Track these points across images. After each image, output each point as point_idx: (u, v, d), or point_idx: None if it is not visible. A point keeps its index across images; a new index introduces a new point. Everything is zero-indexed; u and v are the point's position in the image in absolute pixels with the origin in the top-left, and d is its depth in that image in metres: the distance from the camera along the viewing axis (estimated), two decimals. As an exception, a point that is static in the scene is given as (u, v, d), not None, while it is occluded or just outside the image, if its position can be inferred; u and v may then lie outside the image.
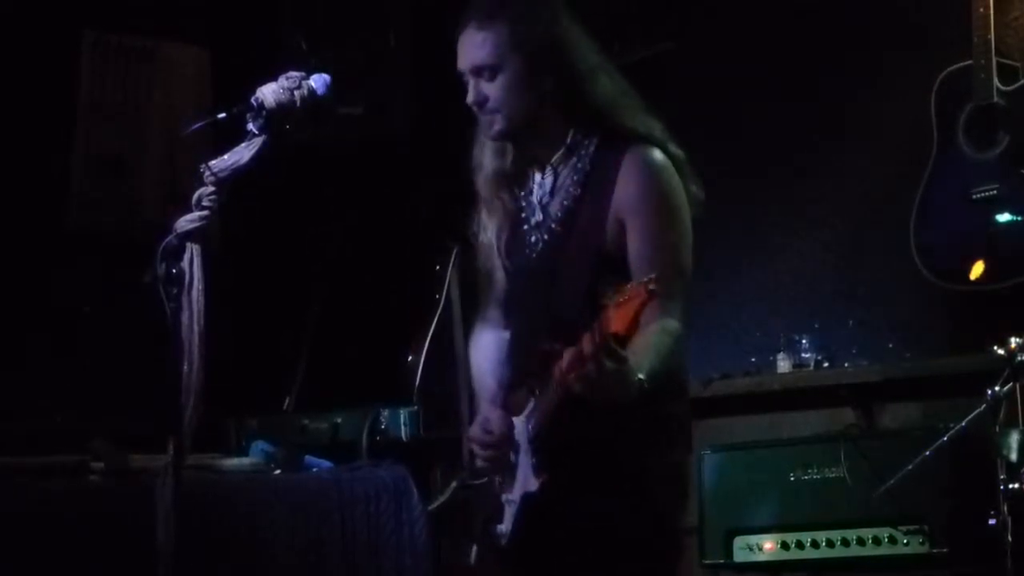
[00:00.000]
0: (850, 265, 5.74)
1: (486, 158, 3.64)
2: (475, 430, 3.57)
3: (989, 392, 4.37)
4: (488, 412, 3.58)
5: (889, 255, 5.49)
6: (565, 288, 3.42)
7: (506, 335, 3.65)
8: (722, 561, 5.22)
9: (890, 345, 5.52)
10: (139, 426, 4.15)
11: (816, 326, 5.72)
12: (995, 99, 5.08)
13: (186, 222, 3.19)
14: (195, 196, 3.22)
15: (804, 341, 5.68)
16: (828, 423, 5.55)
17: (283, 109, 3.34)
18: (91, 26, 6.09)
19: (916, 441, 4.71)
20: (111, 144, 6.08)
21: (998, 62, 5.08)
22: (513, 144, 3.61)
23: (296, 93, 3.37)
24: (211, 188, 3.22)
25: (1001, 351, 4.43)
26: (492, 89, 3.49)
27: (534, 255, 3.55)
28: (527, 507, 3.41)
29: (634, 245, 3.39)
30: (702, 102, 6.13)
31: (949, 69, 5.20)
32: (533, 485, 3.38)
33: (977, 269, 5.06)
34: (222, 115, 3.32)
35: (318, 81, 3.42)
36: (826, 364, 5.66)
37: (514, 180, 3.63)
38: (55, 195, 5.97)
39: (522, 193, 3.62)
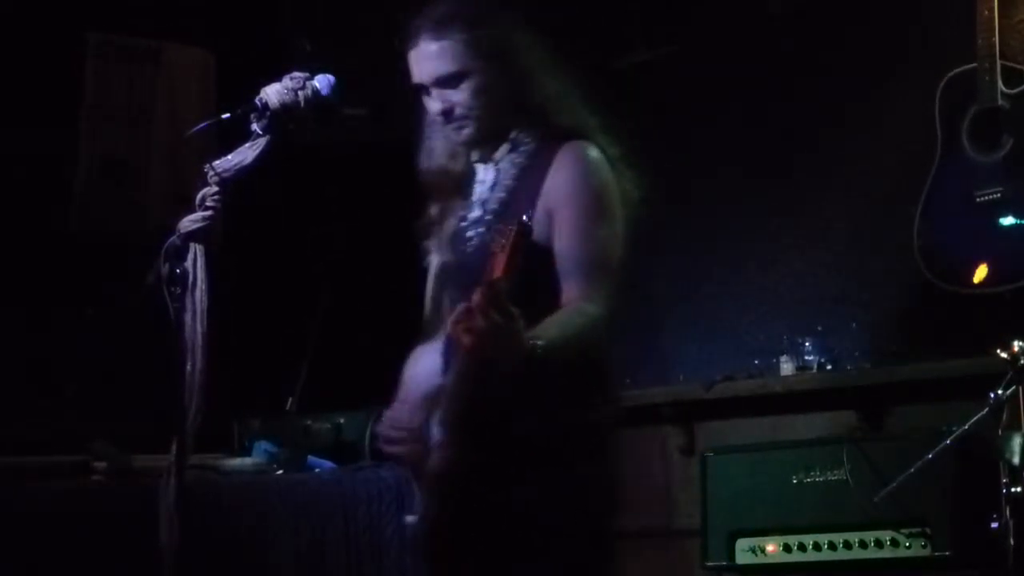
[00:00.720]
0: (853, 267, 5.74)
1: (436, 161, 3.62)
2: (382, 427, 3.55)
3: (992, 395, 4.38)
4: (396, 407, 3.56)
5: (892, 257, 5.48)
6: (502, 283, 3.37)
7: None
8: (724, 563, 5.21)
9: (893, 348, 5.51)
10: (142, 426, 4.15)
11: (819, 328, 5.72)
12: (999, 102, 5.08)
13: (190, 222, 3.19)
14: (199, 196, 3.23)
15: (807, 343, 5.68)
16: (831, 426, 5.55)
17: (287, 110, 3.34)
18: (95, 28, 6.09)
19: (919, 444, 4.70)
20: (115, 145, 6.08)
21: (1002, 65, 5.08)
22: (464, 147, 3.60)
23: (300, 94, 3.37)
24: (215, 188, 3.22)
25: (1004, 354, 4.43)
26: (459, 96, 3.48)
27: (469, 250, 3.53)
28: (439, 490, 3.37)
29: (560, 237, 3.37)
30: (704, 104, 6.14)
31: (953, 72, 5.20)
32: (442, 468, 3.34)
33: (981, 272, 5.06)
34: (226, 116, 3.32)
35: (322, 82, 3.43)
36: (829, 367, 5.65)
37: (462, 180, 3.62)
38: (59, 196, 5.97)
39: (468, 192, 3.61)
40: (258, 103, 3.32)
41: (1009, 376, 4.38)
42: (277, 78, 3.40)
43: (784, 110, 5.90)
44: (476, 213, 3.56)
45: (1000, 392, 4.36)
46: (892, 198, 5.52)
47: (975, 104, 5.14)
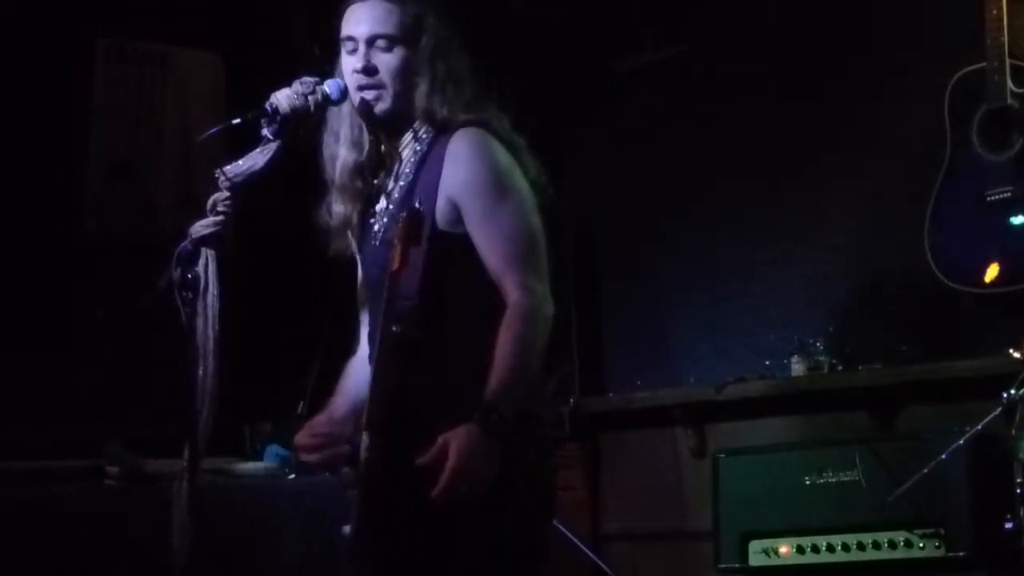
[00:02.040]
0: (864, 268, 5.73)
1: (342, 149, 3.58)
2: (299, 436, 3.55)
3: (1004, 395, 4.37)
4: (319, 419, 3.56)
5: (903, 258, 5.47)
6: (405, 272, 3.31)
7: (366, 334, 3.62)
8: (737, 565, 5.21)
9: (904, 348, 5.50)
10: (154, 430, 4.16)
11: (830, 329, 5.71)
12: (1008, 101, 5.07)
13: (201, 227, 3.20)
14: (210, 201, 3.23)
15: (818, 344, 5.67)
16: (843, 426, 5.54)
17: (297, 114, 3.35)
18: (105, 32, 6.10)
19: (932, 444, 4.69)
20: (126, 150, 6.08)
21: (1012, 64, 5.06)
22: (371, 135, 3.57)
23: (310, 98, 3.38)
24: (226, 193, 3.23)
25: (1016, 354, 4.43)
26: (385, 61, 3.45)
27: (377, 242, 3.51)
28: (366, 493, 3.35)
29: (472, 229, 3.36)
30: (712, 104, 6.13)
31: (962, 71, 5.18)
32: (363, 467, 3.33)
33: (992, 271, 5.05)
34: (237, 121, 3.32)
35: (332, 86, 3.44)
36: (840, 367, 5.64)
37: (366, 171, 3.59)
38: (70, 201, 5.97)
39: (373, 182, 3.59)
40: (269, 108, 3.32)
41: (1022, 375, 4.37)
42: (287, 83, 3.41)
43: (793, 110, 5.90)
44: (382, 204, 3.55)
45: (1013, 392, 4.35)
46: (902, 198, 5.52)
47: (984, 103, 5.13)
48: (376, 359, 3.33)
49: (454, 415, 3.23)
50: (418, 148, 3.49)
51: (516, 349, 3.24)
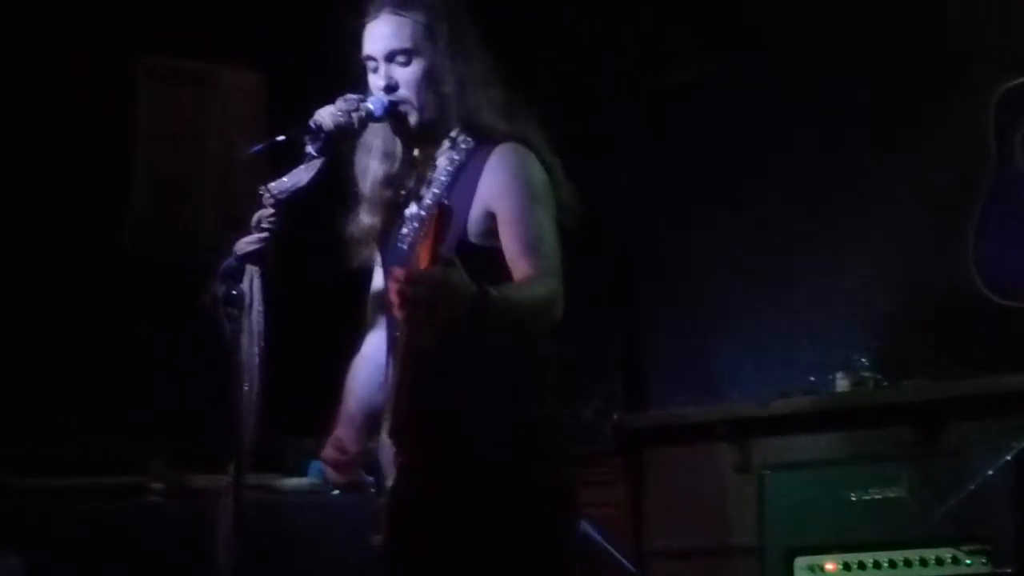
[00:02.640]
0: (908, 282, 5.71)
1: (374, 161, 3.60)
2: (328, 449, 3.57)
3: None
4: (339, 432, 3.57)
5: (947, 272, 5.45)
6: None
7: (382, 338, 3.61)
8: (782, 582, 5.19)
9: (950, 363, 5.47)
10: (199, 447, 4.17)
11: (875, 344, 5.69)
12: (1053, 115, 5.05)
13: (245, 244, 3.21)
14: (254, 218, 3.24)
15: (863, 359, 5.64)
16: (888, 442, 5.51)
17: (341, 131, 3.35)
18: (148, 52, 6.13)
19: (978, 460, 4.67)
20: (169, 168, 6.10)
21: (1058, 77, 5.05)
22: (404, 146, 3.58)
23: (354, 115, 3.39)
24: (270, 210, 3.24)
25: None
26: (406, 75, 3.47)
27: (405, 247, 3.52)
28: (393, 501, 3.36)
29: (503, 229, 3.36)
30: (756, 120, 6.12)
31: (1008, 84, 5.16)
32: (391, 471, 3.33)
33: (1038, 286, 5.03)
34: (281, 138, 3.34)
35: (375, 103, 3.44)
36: (885, 383, 5.62)
37: (398, 181, 3.60)
38: (114, 219, 6.00)
39: (403, 191, 3.59)
40: (312, 125, 3.33)
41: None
42: (330, 100, 3.42)
43: (836, 124, 5.88)
44: (412, 209, 3.55)
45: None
46: (947, 211, 5.49)
47: (1030, 116, 5.12)
48: (399, 368, 3.29)
49: (479, 427, 3.27)
50: (456, 157, 3.50)
51: (528, 292, 3.23)
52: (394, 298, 2.98)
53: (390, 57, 3.49)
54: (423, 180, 3.55)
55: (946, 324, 5.56)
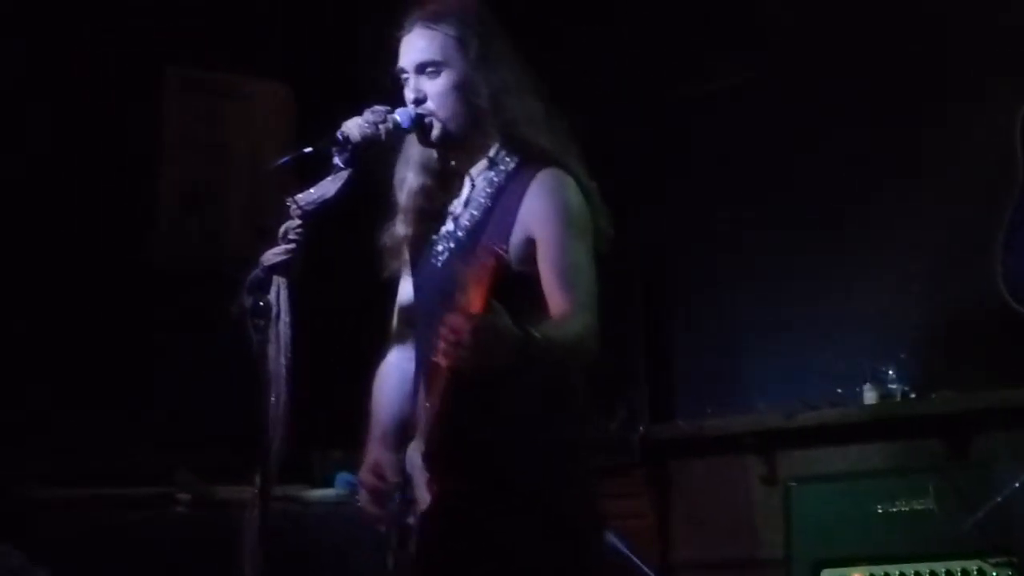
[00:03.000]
0: (935, 294, 5.69)
1: (410, 172, 3.62)
2: (364, 474, 3.56)
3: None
4: (379, 454, 3.56)
5: (975, 284, 5.42)
6: (468, 303, 3.36)
7: (411, 354, 3.62)
8: (810, 594, 5.17)
9: (977, 375, 5.45)
10: (225, 458, 4.17)
11: (902, 356, 5.67)
12: (1081, 126, 5.03)
13: (272, 255, 3.21)
14: (281, 229, 3.25)
15: (890, 371, 5.63)
16: (915, 454, 5.50)
17: (368, 143, 3.36)
18: (175, 63, 6.15)
19: (1005, 472, 4.65)
20: (196, 179, 6.12)
21: (1084, 89, 5.04)
22: (439, 158, 3.59)
23: (381, 127, 3.39)
24: (297, 221, 3.24)
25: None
26: (434, 87, 3.49)
27: (439, 264, 3.53)
28: (425, 528, 3.37)
29: (542, 257, 3.38)
30: (782, 131, 6.10)
31: (1034, 99, 5.16)
32: (425, 500, 3.34)
33: (1065, 298, 5.01)
34: (308, 149, 3.34)
35: (403, 115, 3.45)
36: (913, 395, 5.60)
37: (434, 194, 3.62)
38: (141, 230, 6.02)
39: (438, 205, 3.60)
40: (340, 136, 3.34)
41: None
42: (357, 111, 3.42)
43: (863, 135, 5.87)
44: (448, 227, 3.56)
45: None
46: (974, 223, 5.47)
47: (1057, 127, 5.10)
48: (438, 398, 3.29)
49: (512, 455, 3.31)
50: (495, 179, 3.50)
51: (567, 331, 3.24)
52: (443, 344, 3.03)
53: (420, 69, 3.51)
54: (459, 197, 3.56)
55: (973, 336, 5.54)
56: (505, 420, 3.34)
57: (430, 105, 3.49)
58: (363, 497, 3.57)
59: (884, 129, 5.83)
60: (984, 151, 5.50)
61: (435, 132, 3.49)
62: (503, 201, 3.46)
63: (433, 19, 3.53)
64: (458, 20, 3.53)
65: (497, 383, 3.24)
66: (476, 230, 3.46)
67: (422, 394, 3.42)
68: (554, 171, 3.46)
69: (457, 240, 3.50)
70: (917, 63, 5.79)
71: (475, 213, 3.49)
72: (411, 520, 3.42)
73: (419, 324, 3.59)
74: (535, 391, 3.37)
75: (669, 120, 6.52)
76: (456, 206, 3.56)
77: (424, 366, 3.45)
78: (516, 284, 3.30)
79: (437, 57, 3.50)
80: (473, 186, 3.54)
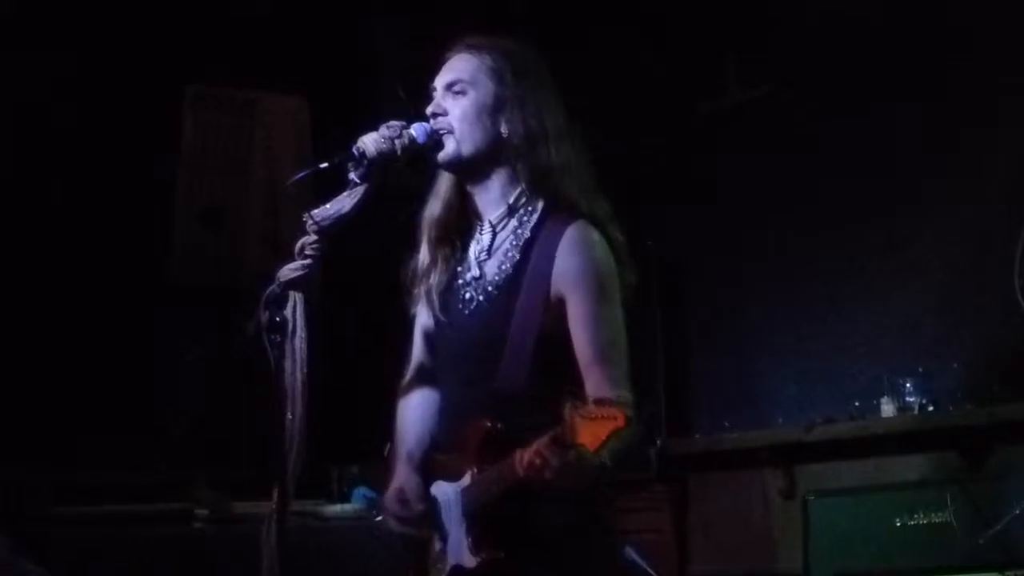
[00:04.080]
0: (954, 308, 5.68)
1: (434, 203, 3.63)
2: (390, 498, 3.56)
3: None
4: (404, 479, 3.56)
5: (992, 297, 5.42)
6: (508, 362, 3.37)
7: (436, 394, 3.63)
8: (828, 607, 5.17)
9: (995, 388, 5.44)
10: (243, 473, 4.18)
11: (920, 369, 5.66)
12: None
13: (289, 271, 3.21)
14: (298, 245, 3.25)
15: (908, 385, 5.62)
16: (933, 467, 5.49)
17: (384, 158, 3.35)
18: (192, 79, 6.17)
19: (1022, 485, 4.63)
20: (213, 195, 6.14)
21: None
22: (455, 191, 3.60)
23: (397, 142, 3.39)
24: (314, 237, 3.24)
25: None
26: (455, 105, 3.49)
27: (467, 312, 3.52)
28: None
29: (575, 325, 3.38)
30: (800, 145, 6.11)
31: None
32: (469, 562, 3.35)
33: (1083, 311, 4.99)
34: (324, 165, 3.34)
35: (418, 130, 3.44)
36: (931, 408, 5.59)
37: (456, 232, 3.61)
38: (158, 245, 6.04)
39: (461, 246, 3.60)
40: (355, 152, 3.33)
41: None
42: (373, 127, 3.42)
43: (886, 150, 5.86)
44: (474, 273, 3.55)
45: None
46: (992, 238, 5.47)
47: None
48: (499, 480, 3.29)
49: (552, 513, 3.32)
50: (519, 230, 3.50)
51: (629, 437, 3.25)
52: (527, 462, 3.09)
53: (449, 86, 3.52)
54: (480, 243, 3.55)
55: (991, 349, 5.53)
56: (555, 502, 3.35)
57: (448, 120, 3.49)
58: (389, 521, 3.57)
59: (908, 145, 5.82)
60: (1005, 166, 5.50)
61: (447, 149, 3.49)
62: (534, 258, 3.45)
63: (476, 47, 3.55)
64: (500, 53, 3.53)
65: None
66: (508, 286, 3.46)
67: (456, 441, 3.45)
68: (583, 226, 3.44)
69: (487, 294, 3.50)
70: (940, 76, 5.78)
71: (505, 267, 3.49)
72: (439, 566, 3.45)
73: (447, 369, 3.59)
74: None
75: (691, 136, 6.53)
76: (480, 253, 3.55)
77: (455, 416, 3.47)
78: (554, 351, 3.35)
79: (464, 77, 3.50)
80: (495, 234, 3.54)
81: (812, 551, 5.25)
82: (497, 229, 3.53)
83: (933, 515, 4.97)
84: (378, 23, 6.50)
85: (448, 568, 3.40)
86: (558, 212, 3.47)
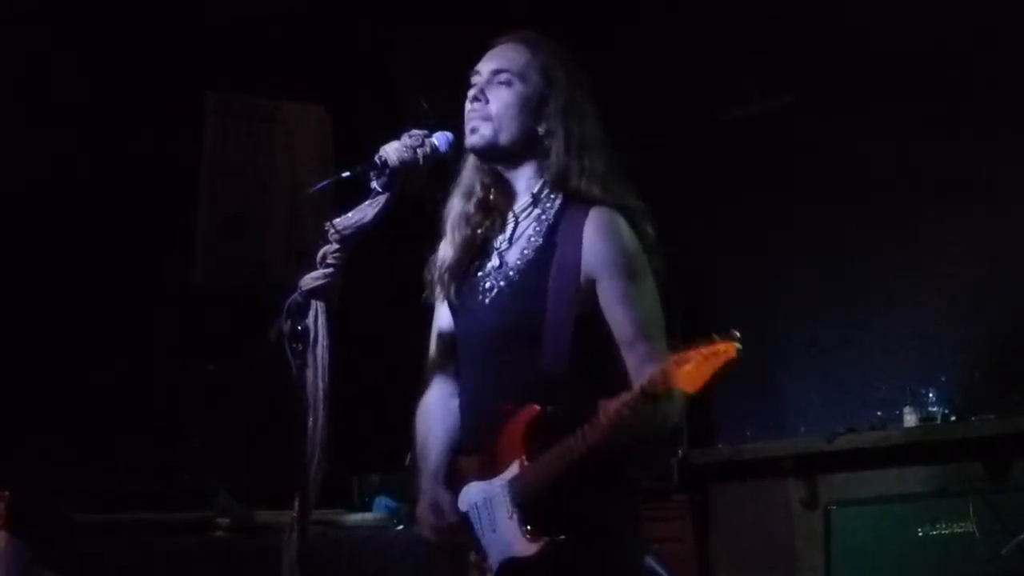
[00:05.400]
0: (976, 318, 5.67)
1: (457, 198, 3.63)
2: (424, 511, 3.53)
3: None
4: (436, 493, 3.53)
5: (1015, 307, 5.41)
6: (548, 346, 3.37)
7: (454, 397, 3.62)
8: (850, 617, 5.16)
9: (1018, 398, 5.42)
10: (264, 482, 4.18)
11: (943, 379, 5.65)
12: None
13: (311, 279, 3.21)
14: (320, 254, 3.24)
15: (931, 394, 5.61)
16: (956, 477, 5.47)
17: (406, 167, 3.35)
18: (215, 88, 6.18)
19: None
20: (235, 203, 6.14)
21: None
22: (481, 186, 3.60)
23: (419, 151, 3.38)
24: (336, 246, 3.24)
25: None
26: (499, 95, 3.49)
27: (487, 301, 3.51)
28: (514, 571, 3.36)
29: (610, 307, 3.39)
30: (823, 154, 6.10)
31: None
32: (527, 550, 3.32)
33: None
34: (346, 174, 3.34)
35: (440, 139, 3.44)
36: (953, 418, 5.57)
37: (478, 226, 3.61)
38: (181, 254, 6.04)
39: (482, 239, 3.60)
40: (377, 161, 3.33)
41: None
42: (395, 135, 3.42)
43: (907, 158, 5.85)
44: (494, 263, 3.55)
45: None
46: (1014, 247, 5.46)
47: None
48: (554, 460, 3.29)
49: (595, 500, 3.32)
50: (543, 216, 3.50)
51: (678, 401, 3.29)
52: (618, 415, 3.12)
53: (494, 74, 3.51)
54: (503, 234, 3.56)
55: (1014, 359, 5.52)
56: (605, 482, 3.36)
57: (490, 107, 3.49)
58: (426, 532, 3.55)
59: (926, 152, 5.81)
60: (1024, 175, 5.50)
61: (481, 134, 3.49)
62: (561, 241, 3.45)
63: (530, 41, 3.55)
64: (552, 54, 3.54)
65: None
66: (531, 270, 3.46)
67: (488, 434, 3.43)
68: (606, 209, 3.45)
69: (508, 278, 3.50)
70: (962, 87, 5.77)
71: (527, 252, 3.49)
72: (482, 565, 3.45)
73: (467, 360, 3.58)
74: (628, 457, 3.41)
75: (712, 144, 6.53)
76: (501, 242, 3.56)
77: (479, 404, 3.47)
78: (589, 329, 3.36)
79: (514, 68, 3.51)
80: (516, 223, 3.54)
81: (834, 561, 5.25)
82: (520, 218, 3.54)
83: (955, 525, 4.96)
84: (400, 33, 6.51)
85: (497, 566, 3.37)
86: (579, 200, 3.47)
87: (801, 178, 6.18)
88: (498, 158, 3.54)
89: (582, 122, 3.52)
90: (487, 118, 3.49)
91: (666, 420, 3.25)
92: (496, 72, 3.52)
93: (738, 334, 3.02)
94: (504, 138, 3.49)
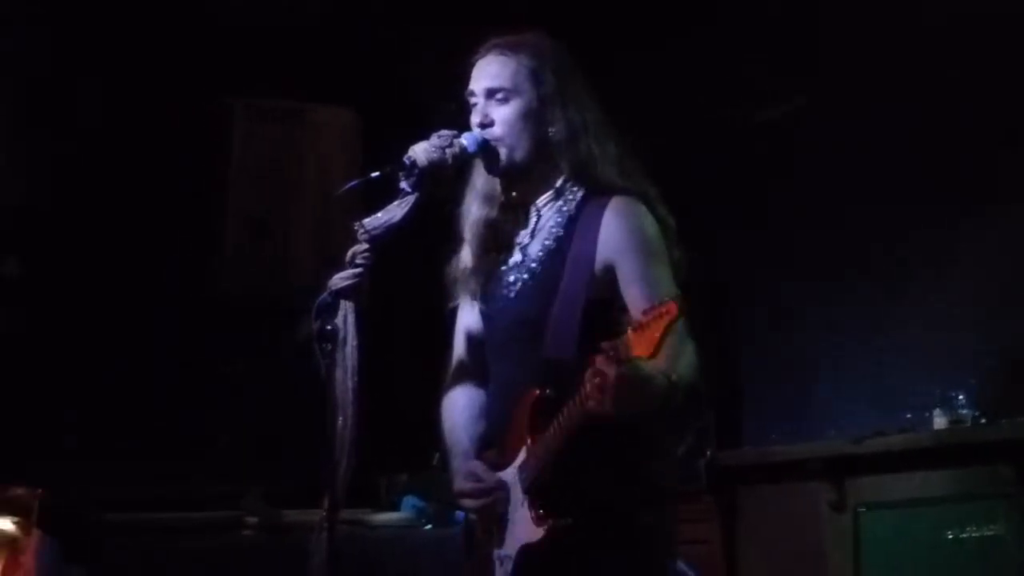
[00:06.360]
0: (1005, 319, 5.64)
1: (474, 202, 3.63)
2: (462, 483, 3.53)
3: None
4: (469, 465, 3.54)
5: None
6: (554, 331, 3.38)
7: (479, 389, 3.64)
8: (879, 620, 5.14)
9: (1048, 400, 5.41)
10: (292, 482, 4.19)
11: (972, 381, 5.62)
12: None
13: (340, 279, 3.23)
14: (348, 254, 3.26)
15: (961, 397, 5.58)
16: (986, 480, 5.44)
17: (435, 167, 3.37)
18: (242, 91, 6.20)
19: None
20: (263, 206, 6.16)
21: None
22: (502, 188, 3.60)
23: (448, 151, 3.40)
24: (364, 246, 3.25)
25: None
26: (501, 113, 3.51)
27: (512, 295, 3.53)
28: (527, 559, 3.36)
29: (628, 288, 3.39)
30: (848, 156, 6.08)
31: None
32: (536, 534, 3.32)
33: None
34: (375, 174, 3.35)
35: (469, 139, 3.45)
36: (983, 420, 5.55)
37: (497, 225, 3.62)
38: (208, 257, 6.06)
39: (503, 237, 3.61)
40: (407, 161, 3.35)
41: None
42: (423, 136, 3.43)
43: (933, 162, 5.83)
44: (517, 258, 3.56)
45: None
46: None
47: None
48: (558, 436, 3.29)
49: (610, 483, 3.33)
50: (564, 208, 3.51)
51: (688, 362, 3.33)
52: (588, 387, 3.06)
53: (490, 94, 3.53)
54: (526, 228, 3.57)
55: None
56: (608, 451, 3.35)
57: (497, 130, 3.50)
58: (466, 503, 3.55)
59: (953, 156, 5.79)
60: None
61: (502, 158, 3.51)
62: (579, 230, 3.47)
63: (510, 47, 3.55)
64: (534, 52, 3.54)
65: (608, 429, 3.24)
66: (551, 260, 3.48)
67: (508, 424, 3.44)
68: (627, 199, 3.46)
69: (531, 271, 3.51)
70: (985, 91, 5.74)
71: (548, 243, 3.50)
72: (499, 554, 3.44)
73: (494, 355, 3.60)
74: (637, 437, 3.39)
75: (736, 148, 6.52)
76: (523, 237, 3.57)
77: (505, 396, 3.47)
78: (604, 312, 3.36)
79: (507, 84, 3.52)
80: (539, 216, 3.55)
81: (862, 564, 5.24)
82: (542, 212, 3.55)
83: (985, 528, 4.95)
84: (426, 34, 6.52)
85: (514, 555, 3.38)
86: (602, 191, 3.49)
87: (827, 184, 6.16)
88: (519, 174, 3.55)
89: (583, 109, 3.54)
90: (497, 139, 3.50)
91: (656, 392, 3.17)
92: (491, 92, 3.53)
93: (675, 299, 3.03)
94: (519, 155, 3.52)
